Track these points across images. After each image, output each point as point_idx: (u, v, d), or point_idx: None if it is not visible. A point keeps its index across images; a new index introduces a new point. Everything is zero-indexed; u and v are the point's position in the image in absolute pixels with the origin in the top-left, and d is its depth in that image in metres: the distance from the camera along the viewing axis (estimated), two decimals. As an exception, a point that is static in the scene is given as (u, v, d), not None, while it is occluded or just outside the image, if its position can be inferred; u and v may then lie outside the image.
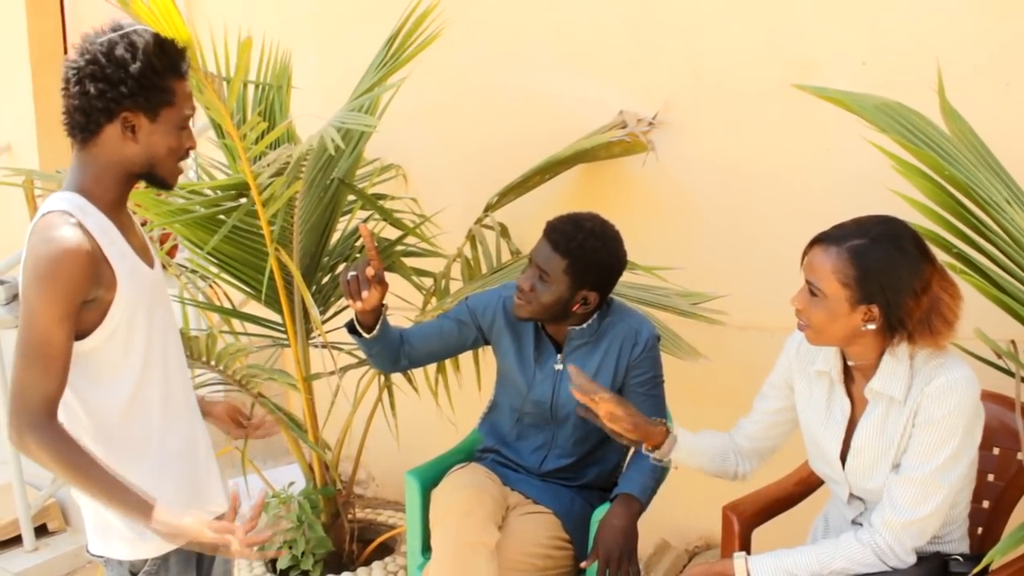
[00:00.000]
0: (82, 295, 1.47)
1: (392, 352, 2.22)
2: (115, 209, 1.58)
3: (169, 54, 1.53)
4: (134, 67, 1.48)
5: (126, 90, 1.48)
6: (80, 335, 1.50)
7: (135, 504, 1.49)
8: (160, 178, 1.59)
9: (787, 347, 1.94)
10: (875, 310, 1.67)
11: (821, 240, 1.73)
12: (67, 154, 5.00)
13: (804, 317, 1.75)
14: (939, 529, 1.75)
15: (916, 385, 1.70)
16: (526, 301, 2.10)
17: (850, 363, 1.80)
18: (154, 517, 1.49)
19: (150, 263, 1.65)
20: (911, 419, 1.70)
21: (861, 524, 1.81)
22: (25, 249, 1.50)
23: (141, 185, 1.64)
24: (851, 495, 1.85)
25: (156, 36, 1.52)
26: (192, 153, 1.64)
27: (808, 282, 1.73)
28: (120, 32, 1.50)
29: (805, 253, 1.75)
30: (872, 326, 1.68)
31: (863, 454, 1.78)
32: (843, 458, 1.82)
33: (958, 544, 1.82)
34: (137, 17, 1.60)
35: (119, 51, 1.48)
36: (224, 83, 2.36)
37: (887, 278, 1.65)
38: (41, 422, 1.45)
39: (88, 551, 1.68)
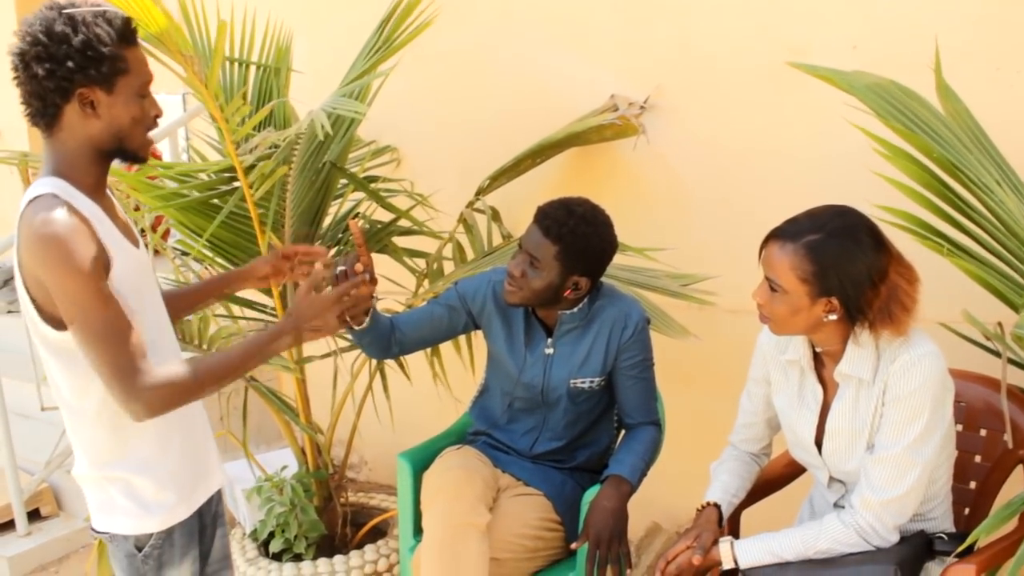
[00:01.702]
0: (103, 260, 1.47)
1: (383, 340, 2.22)
2: (96, 192, 1.55)
3: (112, 22, 1.48)
4: (77, 39, 1.44)
5: (73, 65, 1.44)
6: None
7: (269, 344, 1.59)
8: (131, 152, 1.56)
9: (759, 342, 1.96)
10: (835, 302, 1.69)
11: (776, 236, 1.73)
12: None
13: (766, 311, 1.77)
14: (920, 506, 1.77)
15: (883, 364, 1.72)
16: (517, 287, 2.10)
17: (818, 349, 1.82)
18: (293, 327, 1.60)
19: (135, 243, 1.64)
20: (880, 398, 1.72)
21: (844, 507, 1.82)
22: (20, 240, 1.48)
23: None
24: (831, 478, 1.86)
25: (96, 7, 1.48)
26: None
27: (767, 278, 1.74)
28: (57, 9, 1.46)
29: (762, 248, 1.76)
30: (834, 317, 1.71)
31: (838, 437, 1.80)
32: (820, 443, 1.84)
33: (941, 521, 1.83)
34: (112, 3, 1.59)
35: (58, 27, 1.44)
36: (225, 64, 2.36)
37: (845, 271, 1.66)
38: (146, 371, 1.46)
39: (93, 529, 1.68)
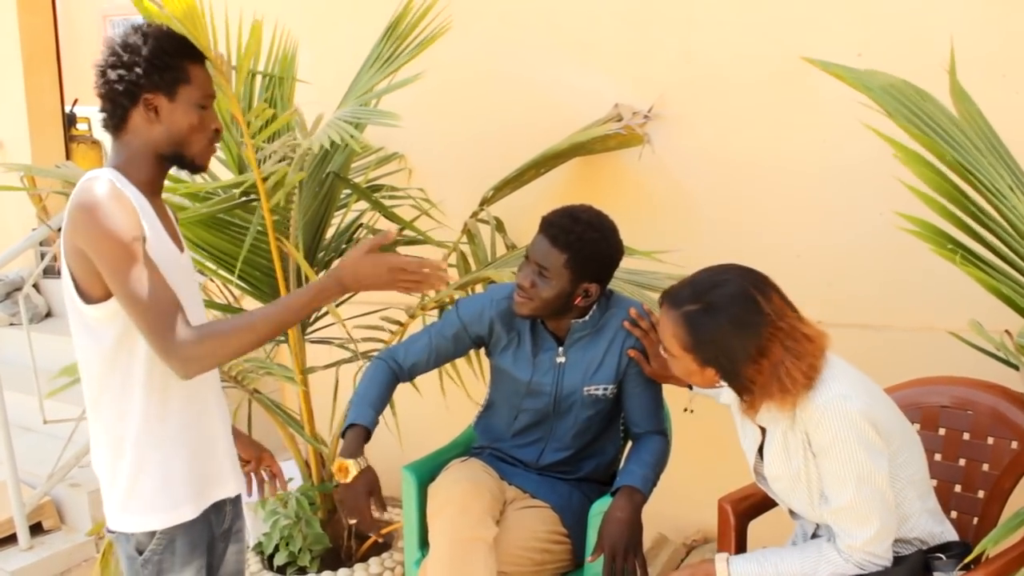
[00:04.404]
0: (139, 227, 1.56)
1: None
2: (148, 190, 1.66)
3: (179, 39, 1.66)
4: (146, 50, 1.60)
5: (140, 71, 1.59)
6: (109, 294, 1.56)
7: (311, 293, 1.62)
8: (190, 159, 1.68)
9: None
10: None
11: (663, 298, 1.73)
12: (60, 151, 4.98)
13: (672, 367, 1.77)
14: (900, 526, 1.73)
15: (798, 410, 1.68)
16: (527, 298, 2.08)
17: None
18: (339, 279, 1.63)
19: (180, 248, 1.72)
20: (807, 447, 1.69)
21: (820, 535, 1.82)
22: (66, 215, 1.57)
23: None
24: (791, 510, 1.86)
25: (168, 27, 1.67)
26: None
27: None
28: (134, 27, 1.65)
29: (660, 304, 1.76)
30: (725, 384, 1.69)
31: (777, 481, 1.79)
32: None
33: (926, 527, 1.78)
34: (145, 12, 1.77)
35: (132, 39, 1.62)
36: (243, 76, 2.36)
37: (719, 347, 1.65)
38: (183, 330, 1.54)
39: (107, 528, 1.71)
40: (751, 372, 1.64)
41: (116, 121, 1.64)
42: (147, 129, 1.63)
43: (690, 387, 2.12)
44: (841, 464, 1.65)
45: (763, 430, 1.80)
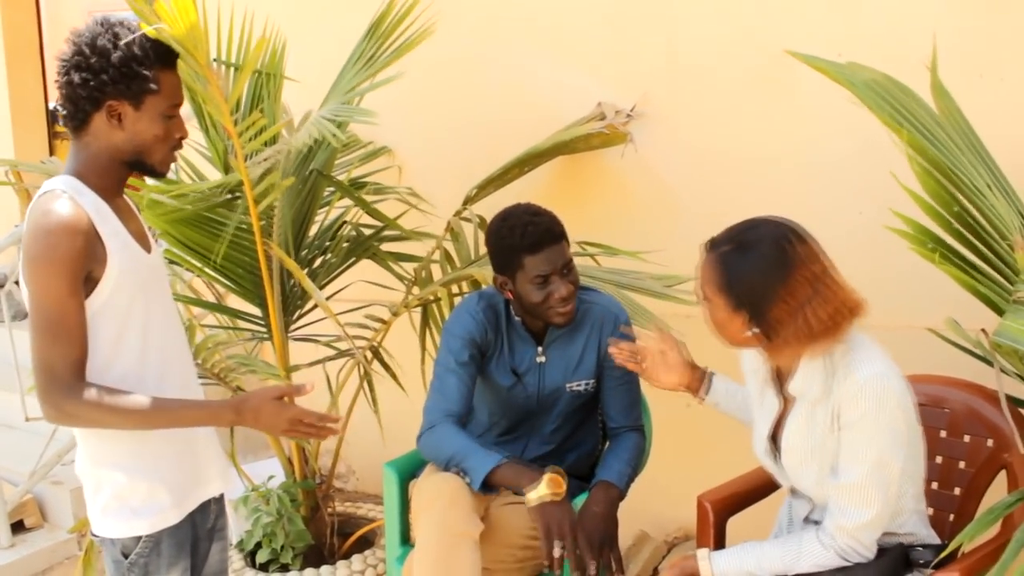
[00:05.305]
0: (83, 264, 1.52)
1: None
2: (110, 194, 1.63)
3: (153, 44, 1.58)
4: (115, 56, 1.53)
5: (107, 78, 1.53)
6: None
7: (206, 409, 1.59)
8: (150, 166, 1.64)
9: None
10: (747, 315, 1.67)
11: (705, 246, 1.74)
12: (43, 147, 4.96)
13: (706, 321, 1.77)
14: (890, 521, 1.74)
15: (835, 382, 1.68)
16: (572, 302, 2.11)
17: (768, 364, 1.80)
18: (238, 412, 1.59)
19: (147, 249, 1.69)
20: (835, 420, 1.69)
21: (815, 521, 1.81)
22: (24, 233, 1.55)
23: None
24: (792, 488, 1.86)
25: (140, 29, 1.59)
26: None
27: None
28: (105, 25, 1.57)
29: None
30: (753, 331, 1.68)
31: (791, 454, 1.78)
32: (779, 452, 1.83)
33: (915, 534, 1.80)
34: (139, 12, 1.73)
35: (101, 41, 1.54)
36: (228, 73, 2.33)
37: (746, 286, 1.65)
38: (74, 384, 1.51)
39: (92, 532, 1.70)
40: (778, 312, 1.63)
41: (76, 123, 1.59)
42: (108, 134, 1.58)
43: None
44: (865, 440, 1.65)
45: (785, 403, 1.80)
